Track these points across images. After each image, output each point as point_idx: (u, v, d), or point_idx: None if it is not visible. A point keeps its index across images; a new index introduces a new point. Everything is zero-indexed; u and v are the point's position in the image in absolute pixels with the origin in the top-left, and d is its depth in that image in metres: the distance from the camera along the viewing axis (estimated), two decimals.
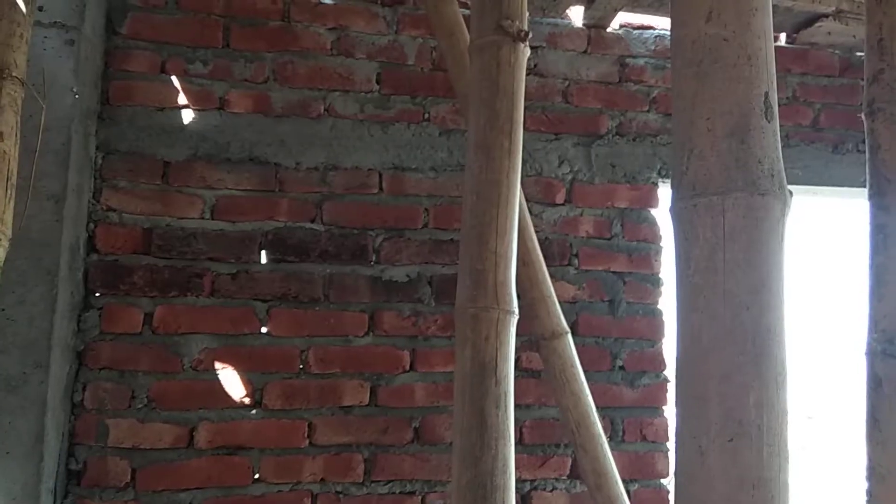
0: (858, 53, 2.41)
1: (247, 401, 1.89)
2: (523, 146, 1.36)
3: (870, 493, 1.00)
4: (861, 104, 2.47)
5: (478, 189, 1.36)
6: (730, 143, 0.67)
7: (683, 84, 0.72)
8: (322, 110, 2.05)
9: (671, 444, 2.11)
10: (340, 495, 1.89)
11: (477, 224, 1.34)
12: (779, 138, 0.70)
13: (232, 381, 1.89)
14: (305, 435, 1.90)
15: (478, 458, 1.24)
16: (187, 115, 1.98)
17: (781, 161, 0.69)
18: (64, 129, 1.75)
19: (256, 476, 1.87)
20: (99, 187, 1.91)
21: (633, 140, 2.21)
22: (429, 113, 2.11)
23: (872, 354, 1.03)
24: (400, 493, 1.93)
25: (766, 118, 0.68)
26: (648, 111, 2.24)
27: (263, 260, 1.97)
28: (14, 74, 1.36)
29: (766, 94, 0.69)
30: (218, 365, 1.89)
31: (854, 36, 2.31)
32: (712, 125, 0.68)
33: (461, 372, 1.30)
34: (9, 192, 1.29)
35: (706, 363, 0.66)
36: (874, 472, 1.00)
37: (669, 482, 2.12)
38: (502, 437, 1.27)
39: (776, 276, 0.66)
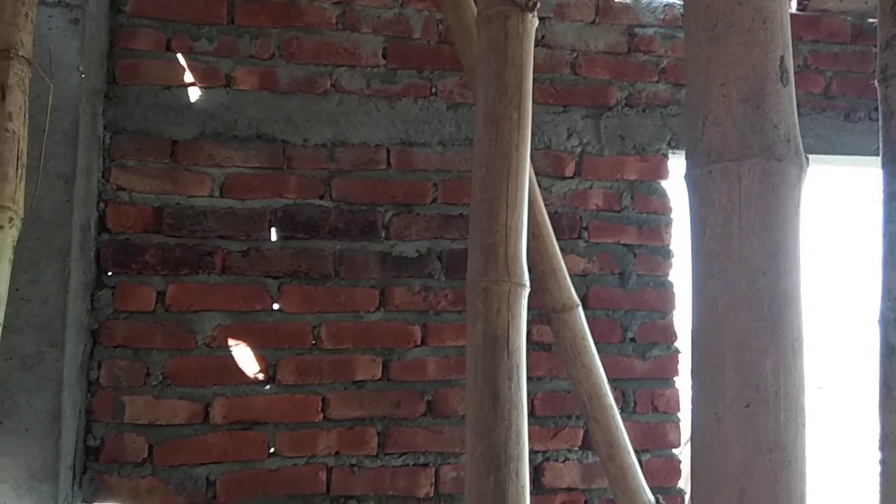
0: (871, 20, 2.37)
1: (260, 376, 1.91)
2: (531, 119, 1.35)
3: (883, 461, 1.00)
4: (873, 71, 2.44)
5: (487, 162, 1.35)
6: (745, 108, 0.67)
7: (697, 49, 0.71)
8: (328, 86, 2.04)
9: (682, 415, 2.12)
10: (355, 468, 1.92)
11: (487, 197, 1.34)
12: (795, 103, 0.69)
13: (245, 358, 1.91)
14: (319, 409, 1.92)
15: (491, 429, 1.25)
16: (194, 93, 1.97)
17: (797, 126, 0.68)
18: (71, 109, 1.75)
19: (272, 450, 1.89)
20: (108, 167, 1.91)
21: (643, 111, 2.19)
22: (436, 87, 2.10)
23: (886, 322, 1.03)
24: (413, 465, 1.95)
25: (782, 82, 0.67)
26: (658, 82, 2.22)
27: (273, 237, 1.97)
28: (21, 54, 1.36)
29: (782, 58, 0.68)
30: (231, 342, 1.91)
31: (866, 2, 2.27)
32: (727, 91, 0.67)
33: (473, 345, 1.31)
34: (19, 171, 1.30)
35: (722, 330, 0.66)
36: (887, 440, 1.00)
37: (681, 452, 2.13)
38: (515, 409, 1.28)
39: (792, 242, 0.66)
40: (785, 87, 0.68)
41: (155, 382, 1.86)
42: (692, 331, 0.71)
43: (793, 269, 0.66)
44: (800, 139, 0.68)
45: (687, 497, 2.15)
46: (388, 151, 2.05)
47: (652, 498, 1.72)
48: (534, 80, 1.37)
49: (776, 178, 0.66)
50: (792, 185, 0.66)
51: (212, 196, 1.95)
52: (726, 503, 0.64)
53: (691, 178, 0.70)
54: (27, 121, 1.37)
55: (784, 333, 0.65)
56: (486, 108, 1.35)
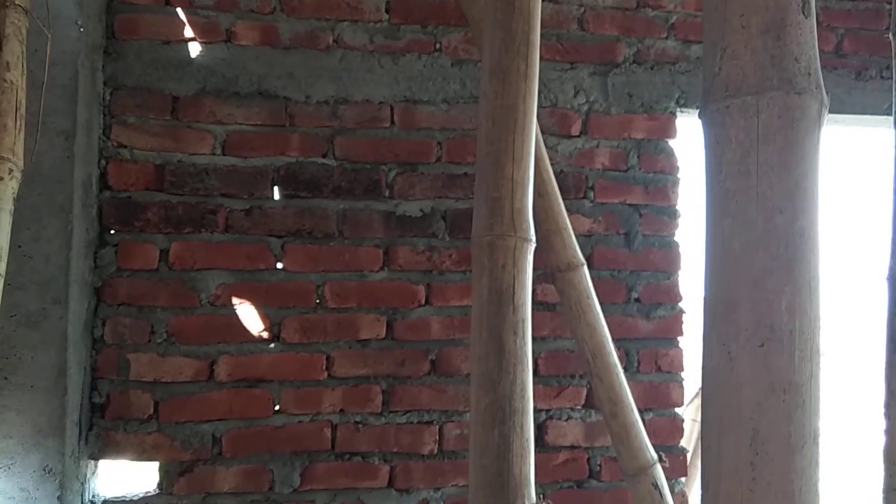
0: None
1: (265, 335, 1.91)
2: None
3: (888, 417, 0.99)
4: (886, 28, 2.39)
5: (493, 115, 1.33)
6: (765, 40, 0.64)
7: None
8: (331, 41, 2.00)
9: (686, 375, 2.12)
10: (360, 425, 1.92)
11: (493, 151, 1.32)
12: (816, 35, 0.67)
13: (250, 316, 1.90)
14: (324, 367, 1.92)
15: (496, 382, 1.25)
16: (194, 49, 1.94)
17: (818, 59, 0.66)
18: (70, 64, 1.72)
19: (277, 407, 1.90)
20: (108, 123, 1.89)
21: (651, 68, 2.15)
22: (440, 43, 2.06)
23: (894, 279, 1.01)
24: (418, 422, 1.95)
25: (804, 13, 0.65)
26: (667, 38, 2.17)
27: (276, 196, 1.96)
28: (17, 2, 1.33)
29: None
30: (235, 300, 1.90)
31: None
32: (747, 22, 0.65)
33: (479, 300, 1.30)
34: (18, 122, 1.28)
35: (737, 269, 0.65)
36: (894, 398, 0.99)
37: (684, 411, 2.14)
38: (520, 363, 1.28)
39: (811, 179, 0.64)
40: (807, 18, 0.65)
41: (159, 340, 1.86)
42: (705, 271, 0.69)
43: (811, 206, 0.64)
44: (821, 73, 0.66)
45: (689, 456, 2.16)
46: (392, 109, 2.02)
47: (654, 455, 1.73)
48: (540, 35, 1.34)
49: (796, 113, 0.63)
50: (812, 120, 0.64)
51: (213, 154, 1.93)
52: (738, 444, 0.63)
53: (707, 115, 0.68)
54: (25, 72, 1.35)
55: (800, 272, 0.63)
56: (493, 59, 1.33)
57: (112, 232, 1.87)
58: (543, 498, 1.92)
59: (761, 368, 0.62)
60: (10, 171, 1.26)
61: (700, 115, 0.70)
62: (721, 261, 0.66)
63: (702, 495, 0.68)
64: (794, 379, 0.62)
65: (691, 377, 2.15)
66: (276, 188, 1.95)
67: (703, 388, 0.68)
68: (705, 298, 0.69)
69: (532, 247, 1.31)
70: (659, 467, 1.72)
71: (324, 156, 1.98)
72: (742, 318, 0.64)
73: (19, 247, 1.66)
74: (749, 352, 0.63)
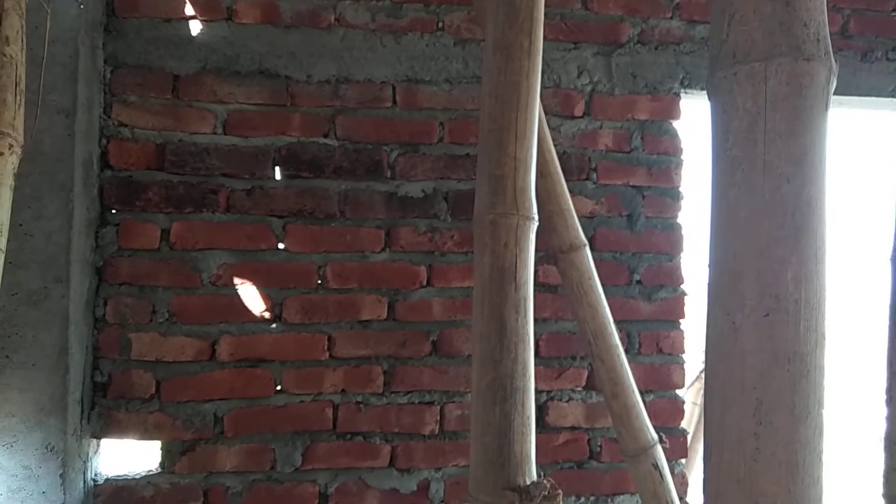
0: None
1: (266, 315, 1.91)
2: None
3: (890, 401, 0.98)
4: (893, 9, 2.36)
5: (496, 91, 1.31)
6: (774, 5, 0.63)
7: None
8: (332, 20, 1.99)
9: (687, 357, 2.12)
10: (361, 405, 1.93)
11: (496, 128, 1.31)
12: (825, 1, 0.66)
13: (251, 296, 1.90)
14: (325, 348, 1.92)
15: (497, 361, 1.24)
16: (195, 27, 1.92)
17: (827, 25, 0.65)
18: (70, 42, 1.71)
19: (278, 387, 1.90)
20: (109, 102, 1.88)
21: (655, 49, 2.13)
22: (443, 22, 2.04)
23: None
24: (419, 403, 1.96)
25: None
26: (671, 18, 2.15)
27: (278, 176, 1.95)
28: None
29: None
30: (237, 280, 1.90)
31: None
32: None
33: (480, 279, 1.29)
34: (18, 97, 1.27)
35: (743, 238, 0.64)
36: None
37: (684, 393, 2.14)
38: (522, 342, 1.27)
39: (819, 147, 0.63)
40: None
41: (161, 320, 1.86)
42: (710, 241, 0.69)
43: (818, 175, 0.63)
44: (829, 39, 0.65)
45: (689, 437, 2.17)
46: (394, 89, 2.01)
47: (655, 436, 1.73)
48: (544, 14, 1.32)
49: (804, 80, 0.63)
50: (820, 87, 0.63)
51: (215, 133, 1.92)
52: (742, 415, 0.63)
53: (714, 83, 0.67)
54: (24, 48, 1.34)
55: (807, 242, 0.63)
56: (496, 35, 1.31)
57: (113, 211, 1.87)
58: (544, 477, 1.92)
59: (766, 338, 0.62)
60: (11, 146, 1.25)
61: (707, 84, 0.69)
62: (726, 230, 0.66)
63: (704, 466, 0.68)
64: (798, 349, 0.61)
65: (692, 359, 2.15)
66: (277, 168, 1.95)
67: (706, 359, 0.68)
68: (710, 268, 0.69)
69: (534, 225, 1.30)
70: (659, 448, 1.72)
71: (325, 136, 1.97)
72: (747, 287, 0.63)
73: (20, 225, 1.66)
74: (754, 322, 0.62)
